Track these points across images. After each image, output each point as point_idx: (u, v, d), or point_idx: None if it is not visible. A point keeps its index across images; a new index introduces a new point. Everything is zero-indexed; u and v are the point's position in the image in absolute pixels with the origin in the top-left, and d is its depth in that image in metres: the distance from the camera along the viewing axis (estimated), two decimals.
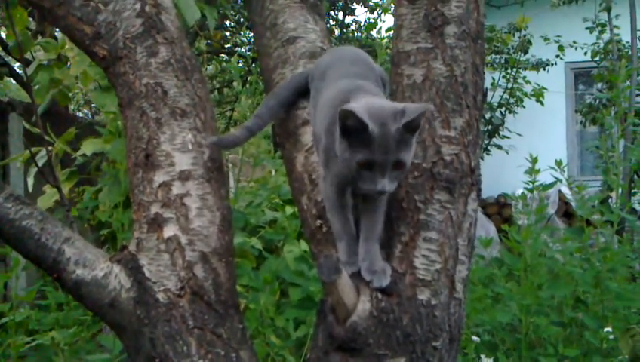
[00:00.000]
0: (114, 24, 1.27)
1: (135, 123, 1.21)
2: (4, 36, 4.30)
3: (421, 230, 0.99)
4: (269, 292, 2.30)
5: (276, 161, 3.67)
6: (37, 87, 2.79)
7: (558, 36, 5.75)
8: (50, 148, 1.96)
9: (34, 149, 2.06)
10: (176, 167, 1.17)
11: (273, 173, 4.51)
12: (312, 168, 1.25)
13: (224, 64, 6.45)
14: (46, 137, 2.00)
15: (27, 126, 2.03)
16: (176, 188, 1.15)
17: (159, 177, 1.16)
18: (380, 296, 0.96)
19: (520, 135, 5.97)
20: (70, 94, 3.38)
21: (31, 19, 3.49)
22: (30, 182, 2.24)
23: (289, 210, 3.24)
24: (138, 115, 1.21)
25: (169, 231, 1.12)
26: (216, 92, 6.19)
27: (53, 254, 1.09)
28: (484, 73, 1.08)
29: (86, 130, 3.09)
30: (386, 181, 0.88)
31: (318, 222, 1.16)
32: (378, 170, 0.88)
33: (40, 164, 1.99)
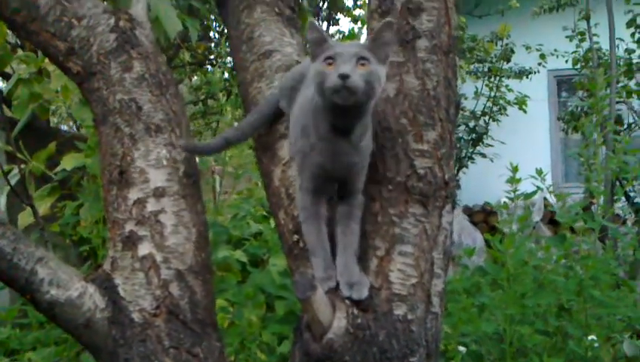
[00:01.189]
0: (87, 39, 1.26)
1: (109, 139, 1.20)
2: None
3: (396, 244, 0.98)
4: (254, 306, 2.28)
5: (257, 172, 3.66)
6: (16, 101, 2.77)
7: (540, 45, 5.82)
8: (22, 166, 1.93)
9: (6, 168, 2.03)
10: (150, 184, 1.16)
11: (259, 184, 4.50)
12: (289, 182, 1.24)
13: (209, 75, 6.42)
14: (19, 155, 1.97)
15: (0, 144, 2.00)
16: (151, 205, 1.14)
17: (133, 194, 1.15)
18: (355, 312, 0.96)
19: (504, 143, 6.02)
20: (52, 108, 3.36)
21: (10, 32, 3.45)
22: (2, 201, 2.21)
23: (274, 222, 3.22)
24: (112, 130, 1.20)
25: (144, 249, 1.11)
26: (200, 103, 6.19)
27: (26, 274, 1.07)
28: (456, 86, 1.08)
29: (68, 144, 3.07)
30: (348, 67, 0.88)
31: (295, 237, 1.15)
32: (340, 60, 0.89)
33: (13, 182, 1.96)
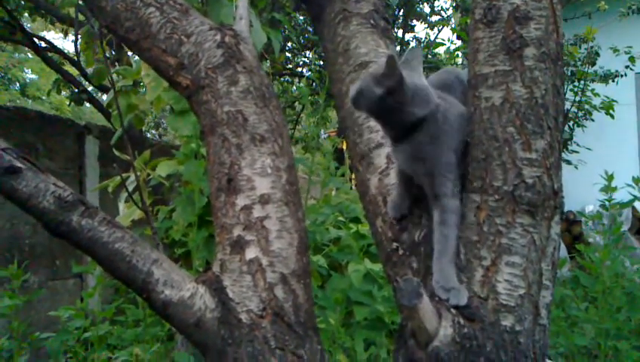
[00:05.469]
0: (196, 55, 1.34)
1: (217, 149, 1.26)
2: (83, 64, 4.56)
3: (503, 254, 0.98)
4: (339, 311, 2.31)
5: (339, 180, 3.70)
6: (115, 112, 2.95)
7: (629, 47, 5.54)
8: (138, 173, 2.06)
9: (124, 176, 2.17)
10: (256, 191, 1.21)
11: (334, 191, 4.54)
12: (386, 191, 1.26)
13: (286, 85, 6.59)
14: (136, 164, 2.09)
15: (117, 153, 2.13)
16: (257, 211, 1.19)
17: (241, 201, 1.20)
18: (462, 321, 0.96)
19: (589, 149, 5.76)
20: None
21: (108, 47, 3.71)
22: (121, 207, 2.36)
23: (353, 228, 3.25)
24: (220, 141, 1.26)
25: (251, 253, 1.16)
26: None
27: (143, 275, 1.15)
28: (564, 94, 1.06)
29: (158, 151, 3.23)
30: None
31: (394, 244, 1.17)
32: None
33: (130, 189, 2.09)
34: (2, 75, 13.24)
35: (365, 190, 1.32)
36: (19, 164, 1.15)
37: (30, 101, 13.88)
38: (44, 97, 13.39)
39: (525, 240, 0.98)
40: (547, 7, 1.02)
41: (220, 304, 1.13)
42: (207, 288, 1.15)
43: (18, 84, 13.71)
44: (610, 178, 2.37)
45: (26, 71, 14.77)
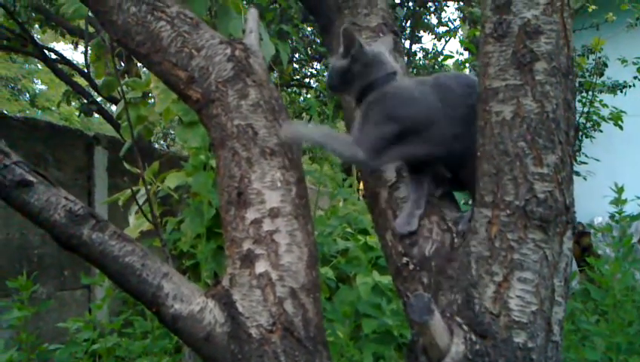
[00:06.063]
0: (206, 68, 1.34)
1: (227, 162, 1.26)
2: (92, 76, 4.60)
3: (515, 270, 0.97)
4: (347, 324, 2.30)
5: (347, 191, 3.69)
6: (124, 123, 2.97)
7: (638, 58, 5.52)
8: (149, 187, 2.06)
9: (135, 188, 2.17)
10: (266, 205, 1.21)
11: (342, 202, 4.53)
12: (396, 204, 1.26)
13: (294, 95, 6.63)
14: (147, 177, 2.10)
15: (127, 166, 2.14)
16: (267, 225, 1.19)
17: (251, 214, 1.20)
18: (474, 338, 0.95)
19: (598, 160, 5.73)
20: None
21: (118, 59, 3.74)
22: (131, 220, 2.36)
23: (361, 239, 3.24)
24: (230, 154, 1.26)
25: (260, 267, 1.15)
26: None
27: (153, 289, 1.15)
28: (575, 108, 1.06)
29: (166, 162, 3.24)
30: None
31: (404, 259, 1.16)
32: None
33: (141, 202, 2.10)
34: (12, 85, 13.37)
35: (374, 203, 1.32)
36: (30, 178, 1.16)
37: (39, 112, 14.01)
38: (53, 108, 13.51)
39: (537, 255, 0.97)
40: (558, 21, 1.02)
41: (230, 318, 1.13)
42: (217, 302, 1.15)
43: (28, 95, 13.85)
44: (620, 190, 2.35)
45: (36, 81, 14.93)
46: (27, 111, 13.71)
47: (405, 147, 1.15)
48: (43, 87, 15.30)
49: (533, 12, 1.02)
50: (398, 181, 1.28)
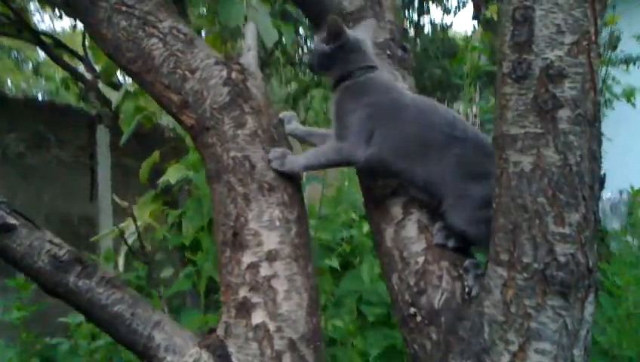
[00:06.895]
0: (201, 93, 1.25)
1: (223, 198, 1.18)
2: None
3: (532, 340, 0.90)
4: (346, 312, 2.27)
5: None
6: (123, 115, 2.88)
7: None
8: (139, 223, 1.98)
9: (121, 225, 2.10)
10: (264, 247, 1.13)
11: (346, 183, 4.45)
12: (403, 244, 1.18)
13: (297, 70, 6.49)
14: (135, 213, 2.02)
15: (117, 199, 2.05)
16: (264, 270, 1.12)
17: (247, 258, 1.13)
18: None
19: (610, 140, 5.60)
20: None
21: None
22: (120, 261, 2.30)
23: (365, 226, 3.17)
24: (226, 189, 1.18)
25: (257, 317, 1.09)
26: (291, 100, 6.27)
27: (144, 340, 1.09)
28: (601, 158, 0.97)
29: (171, 150, 3.16)
30: None
31: (412, 309, 1.09)
32: None
33: (130, 240, 2.02)
34: (16, 56, 13.18)
35: (380, 240, 1.24)
36: (12, 221, 1.09)
37: (43, 81, 13.85)
38: (57, 75, 13.35)
39: (557, 324, 0.90)
40: (584, 62, 0.92)
41: None
42: (211, 354, 1.08)
43: (31, 64, 13.67)
44: (635, 193, 2.26)
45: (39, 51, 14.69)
46: (30, 80, 13.51)
47: (385, 128, 1.18)
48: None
49: (556, 52, 0.91)
50: (404, 218, 1.20)
